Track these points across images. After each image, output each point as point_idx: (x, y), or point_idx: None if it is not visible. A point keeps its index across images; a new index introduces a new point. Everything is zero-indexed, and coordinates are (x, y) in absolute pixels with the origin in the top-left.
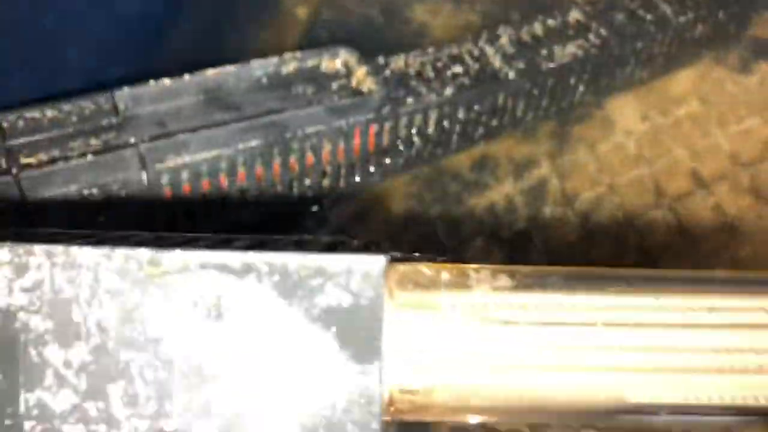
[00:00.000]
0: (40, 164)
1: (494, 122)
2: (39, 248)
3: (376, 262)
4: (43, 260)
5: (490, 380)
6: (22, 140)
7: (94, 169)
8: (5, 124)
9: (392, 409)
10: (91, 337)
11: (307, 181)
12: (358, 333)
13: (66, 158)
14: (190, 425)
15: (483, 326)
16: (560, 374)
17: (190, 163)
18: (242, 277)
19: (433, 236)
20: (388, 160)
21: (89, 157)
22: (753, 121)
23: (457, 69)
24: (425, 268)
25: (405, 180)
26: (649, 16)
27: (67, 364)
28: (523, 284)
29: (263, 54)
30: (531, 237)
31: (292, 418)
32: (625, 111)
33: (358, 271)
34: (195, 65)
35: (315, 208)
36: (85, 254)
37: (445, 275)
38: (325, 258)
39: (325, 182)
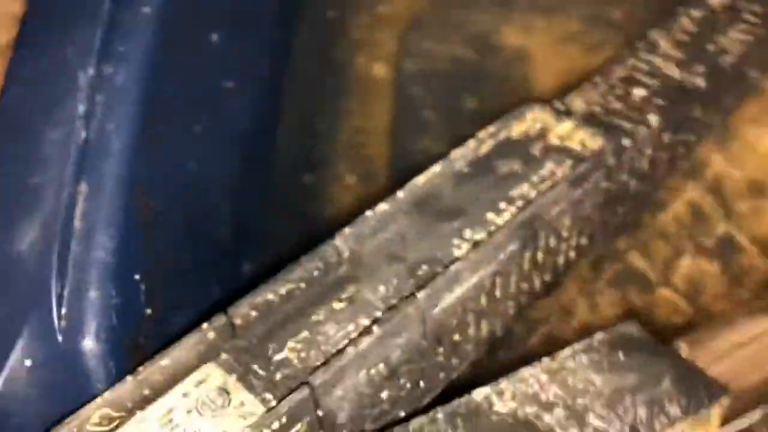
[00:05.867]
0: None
1: (692, 138)
2: None
3: None
4: None
5: None
6: (262, 331)
7: (379, 343)
8: (237, 320)
9: None
10: None
11: (546, 265)
12: None
13: (352, 342)
14: None
15: None
16: None
17: (462, 297)
18: None
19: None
20: (609, 218)
21: (375, 330)
22: None
23: (641, 92)
24: None
25: None
26: None
27: None
28: None
29: (360, 129)
30: (733, 237)
31: None
32: None
33: None
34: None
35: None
36: None
37: None
38: None
39: (560, 260)
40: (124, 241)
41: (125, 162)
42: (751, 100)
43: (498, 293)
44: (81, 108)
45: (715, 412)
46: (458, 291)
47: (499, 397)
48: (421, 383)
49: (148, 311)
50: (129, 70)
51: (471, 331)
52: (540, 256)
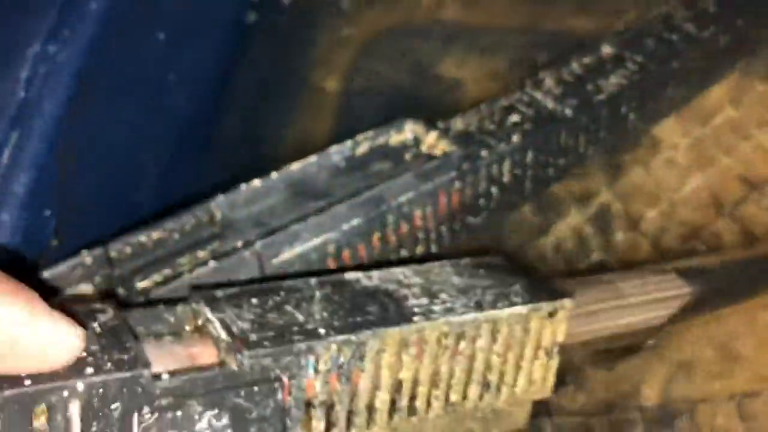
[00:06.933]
0: (163, 282)
1: (561, 161)
2: None
3: None
4: None
5: None
6: (133, 265)
7: (214, 274)
8: (113, 253)
9: None
10: None
11: (403, 252)
12: None
13: (189, 271)
14: None
15: None
16: None
17: (302, 253)
18: None
19: None
20: (471, 218)
21: (211, 263)
22: None
23: (515, 118)
24: None
25: None
26: (674, 37)
27: None
28: None
29: (302, 133)
30: (606, 264)
31: None
32: (667, 127)
33: None
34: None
35: None
36: None
37: None
38: None
39: (419, 249)
40: (40, 183)
41: (53, 120)
42: (643, 145)
43: (349, 263)
44: (24, 74)
45: (560, 310)
46: (299, 248)
47: (367, 278)
48: None
49: (54, 242)
50: (70, 51)
51: None
52: (392, 238)
